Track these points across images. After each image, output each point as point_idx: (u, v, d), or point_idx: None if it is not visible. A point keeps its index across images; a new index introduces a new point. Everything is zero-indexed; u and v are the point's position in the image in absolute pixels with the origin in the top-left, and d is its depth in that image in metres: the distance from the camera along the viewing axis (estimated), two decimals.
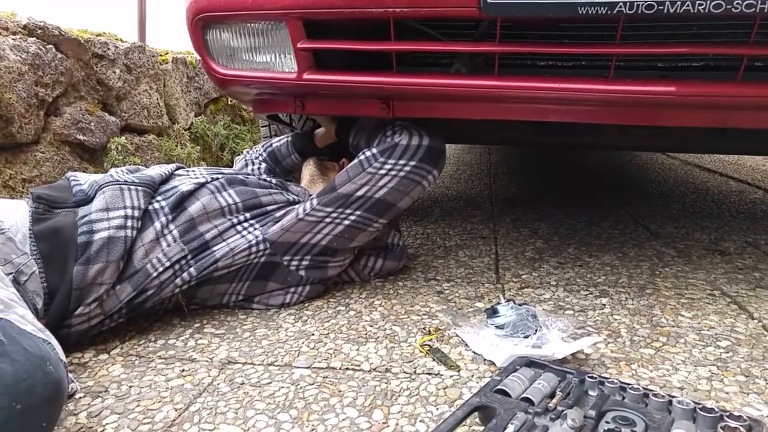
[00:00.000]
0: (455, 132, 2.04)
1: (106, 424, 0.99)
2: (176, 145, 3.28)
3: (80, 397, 1.07)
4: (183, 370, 1.18)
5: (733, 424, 0.82)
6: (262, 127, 2.40)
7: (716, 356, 1.22)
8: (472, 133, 2.11)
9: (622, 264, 1.84)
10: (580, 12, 1.13)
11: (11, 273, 1.13)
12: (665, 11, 1.09)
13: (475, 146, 5.01)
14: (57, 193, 1.35)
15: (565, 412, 0.85)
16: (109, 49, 2.82)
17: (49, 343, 0.90)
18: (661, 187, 3.35)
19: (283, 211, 1.50)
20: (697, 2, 1.07)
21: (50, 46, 2.45)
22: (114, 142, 2.76)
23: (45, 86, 2.39)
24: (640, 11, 1.10)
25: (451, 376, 1.14)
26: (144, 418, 1.00)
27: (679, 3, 1.08)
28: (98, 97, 2.78)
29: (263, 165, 1.90)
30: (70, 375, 1.05)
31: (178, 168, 1.57)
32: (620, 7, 1.11)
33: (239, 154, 3.63)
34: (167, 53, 3.47)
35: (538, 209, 2.67)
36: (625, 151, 4.31)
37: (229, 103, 4.11)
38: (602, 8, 1.11)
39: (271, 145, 1.93)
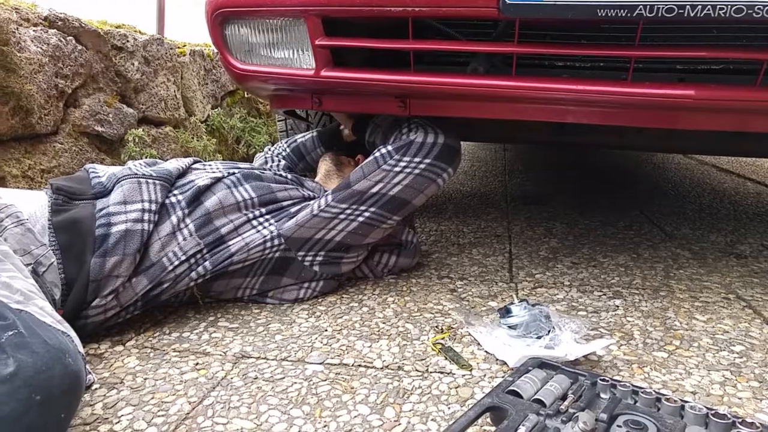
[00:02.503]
0: (470, 130, 2.04)
1: (122, 415, 1.00)
2: (192, 138, 3.30)
3: (96, 388, 1.09)
4: (197, 364, 1.19)
5: (745, 430, 0.82)
6: (279, 121, 2.41)
7: (730, 361, 1.22)
8: (487, 131, 2.11)
9: (636, 265, 1.83)
10: (600, 14, 1.12)
11: (30, 264, 1.15)
12: (685, 15, 1.08)
13: (490, 143, 5.00)
14: (76, 185, 1.36)
15: (576, 414, 0.85)
16: (128, 41, 2.84)
17: (68, 335, 0.91)
18: (678, 187, 3.33)
19: (298, 207, 1.51)
20: (718, 6, 1.07)
21: (70, 37, 2.47)
22: (131, 133, 2.78)
23: (65, 78, 2.41)
24: (660, 14, 1.10)
25: (463, 376, 1.14)
26: (158, 411, 1.02)
27: (699, 7, 1.08)
28: (116, 88, 2.80)
29: (282, 162, 1.92)
30: (87, 366, 1.06)
31: (195, 162, 1.58)
32: (640, 10, 1.10)
33: (255, 147, 3.66)
34: (185, 45, 3.48)
35: (553, 208, 2.66)
36: (641, 151, 4.29)
37: (246, 96, 4.13)
38: (622, 11, 1.11)
39: (295, 140, 1.96)
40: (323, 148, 1.92)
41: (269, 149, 2.00)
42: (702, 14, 1.08)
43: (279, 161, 1.93)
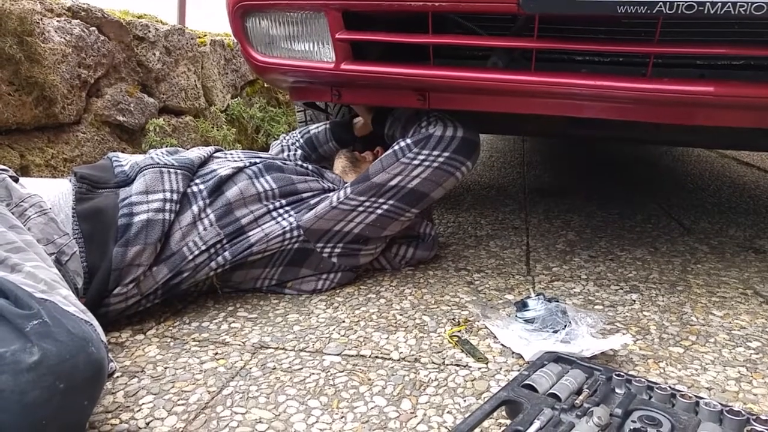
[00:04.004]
0: (488, 122, 2.03)
1: (143, 404, 1.02)
2: (212, 127, 3.32)
3: (118, 377, 1.11)
4: (216, 353, 1.21)
5: (759, 428, 0.82)
6: (298, 112, 2.42)
7: (746, 357, 1.22)
8: (505, 123, 2.10)
9: (654, 259, 1.83)
10: (620, 11, 1.12)
11: (53, 253, 1.17)
12: (705, 12, 1.08)
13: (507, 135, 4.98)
14: (99, 173, 1.38)
15: (591, 409, 0.86)
16: (149, 31, 2.86)
17: (91, 324, 0.93)
18: (697, 180, 3.31)
19: (317, 199, 1.52)
20: (738, 4, 1.06)
21: (93, 28, 2.49)
22: (152, 123, 2.81)
23: (87, 68, 2.43)
24: (680, 11, 1.09)
25: (479, 368, 1.15)
26: (179, 400, 1.04)
27: (719, 4, 1.07)
28: (138, 78, 2.82)
29: (299, 151, 1.92)
30: (110, 355, 1.08)
31: (217, 151, 1.60)
32: (660, 6, 1.09)
33: (274, 137, 3.68)
34: (205, 35, 3.50)
35: (571, 200, 2.66)
36: (659, 145, 4.25)
37: (265, 85, 4.14)
38: (642, 8, 1.10)
39: (308, 131, 1.95)
40: (335, 142, 1.92)
41: (284, 137, 2.00)
42: (722, 11, 1.07)
43: (296, 150, 1.93)
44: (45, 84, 2.18)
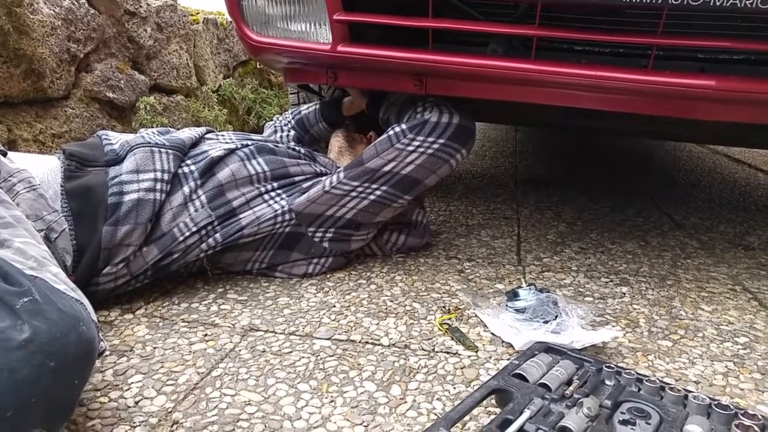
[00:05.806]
0: (483, 110, 2.02)
1: (132, 383, 1.02)
2: (204, 107, 3.29)
3: (107, 355, 1.10)
4: (206, 335, 1.20)
5: (747, 422, 0.82)
6: (291, 94, 2.40)
7: (733, 352, 1.22)
8: (501, 112, 2.09)
9: (644, 253, 1.83)
10: (625, 0, 1.11)
11: (42, 230, 1.15)
12: (711, 3, 1.07)
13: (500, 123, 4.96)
14: (89, 151, 1.36)
15: (581, 400, 0.85)
16: (141, 6, 2.82)
17: (82, 303, 0.91)
18: (689, 175, 3.32)
19: (310, 182, 1.51)
20: None
21: (83, 1, 2.45)
22: (143, 101, 2.77)
23: (77, 42, 2.39)
24: (685, 2, 1.08)
25: (469, 356, 1.15)
26: (168, 380, 1.03)
27: None
28: (129, 55, 2.78)
29: (292, 132, 1.91)
30: (99, 334, 1.07)
31: (208, 131, 1.58)
32: None
33: (266, 119, 3.64)
34: (198, 13, 3.45)
35: (563, 192, 2.66)
36: (654, 139, 4.25)
37: (258, 66, 4.10)
38: None
39: (300, 112, 1.94)
40: (325, 122, 1.90)
41: (278, 118, 1.99)
42: (728, 4, 1.07)
43: (288, 131, 1.92)
44: (33, 57, 2.14)
